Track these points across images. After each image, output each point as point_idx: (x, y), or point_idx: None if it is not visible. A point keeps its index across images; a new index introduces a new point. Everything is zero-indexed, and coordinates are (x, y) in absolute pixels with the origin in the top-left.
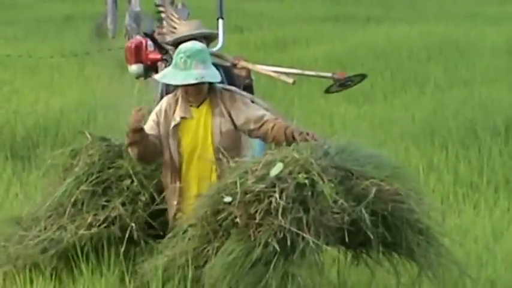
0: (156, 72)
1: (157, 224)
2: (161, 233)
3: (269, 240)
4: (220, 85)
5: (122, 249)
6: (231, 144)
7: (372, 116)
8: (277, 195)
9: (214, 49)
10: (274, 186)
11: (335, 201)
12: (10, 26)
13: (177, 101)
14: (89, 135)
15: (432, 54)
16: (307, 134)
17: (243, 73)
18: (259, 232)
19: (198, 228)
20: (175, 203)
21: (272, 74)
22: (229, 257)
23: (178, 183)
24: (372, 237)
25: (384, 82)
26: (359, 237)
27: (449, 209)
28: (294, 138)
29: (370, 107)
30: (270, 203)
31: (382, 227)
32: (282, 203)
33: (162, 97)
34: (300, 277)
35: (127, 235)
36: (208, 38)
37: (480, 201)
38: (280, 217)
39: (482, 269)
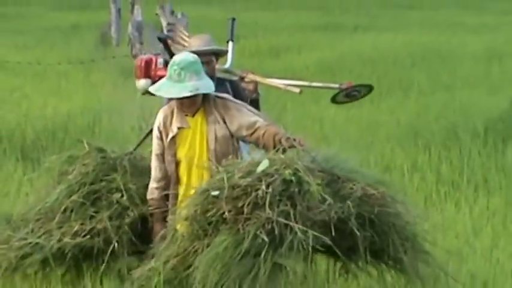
0: None
1: (140, 242)
2: (143, 250)
3: (257, 232)
4: (213, 93)
5: (104, 264)
6: (226, 149)
7: (360, 119)
8: (263, 187)
9: (224, 67)
10: (260, 181)
11: (323, 200)
12: (20, 34)
13: (172, 112)
14: (86, 145)
15: (416, 61)
16: (294, 139)
17: (250, 87)
18: (247, 225)
19: (188, 226)
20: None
21: (280, 86)
22: (219, 248)
23: (175, 200)
24: (358, 234)
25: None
26: (347, 239)
27: (432, 207)
28: (281, 144)
29: (358, 110)
30: (257, 196)
31: (370, 230)
32: (268, 195)
33: None
34: (289, 268)
35: (110, 249)
36: (217, 54)
37: (461, 199)
38: (267, 209)
39: (463, 263)
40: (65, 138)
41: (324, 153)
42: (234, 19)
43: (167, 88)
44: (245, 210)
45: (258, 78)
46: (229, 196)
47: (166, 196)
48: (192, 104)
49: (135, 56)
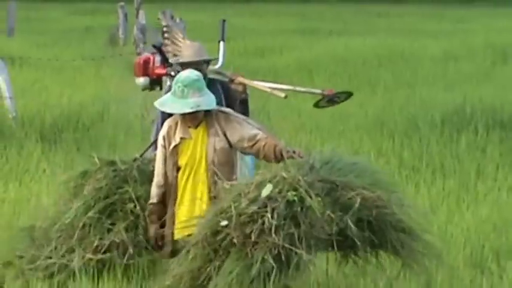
0: (160, 85)
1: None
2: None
3: (265, 257)
4: (216, 107)
5: (120, 272)
6: (224, 161)
7: (333, 110)
8: (269, 215)
9: (216, 67)
10: (266, 207)
11: (322, 213)
12: (41, 35)
13: (176, 123)
14: (97, 160)
15: (382, 61)
16: (294, 152)
17: (240, 88)
18: (255, 250)
19: (200, 248)
20: (170, 230)
21: (266, 89)
22: (231, 276)
23: (173, 208)
24: (358, 243)
25: (342, 83)
26: (347, 242)
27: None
28: (282, 156)
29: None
30: (263, 222)
31: (368, 231)
32: (274, 222)
33: (162, 117)
34: None
35: (125, 260)
36: (208, 62)
37: (420, 182)
38: (274, 235)
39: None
40: (78, 123)
41: (320, 155)
42: (224, 20)
43: (171, 103)
44: (252, 236)
45: (246, 81)
46: (237, 223)
47: (164, 201)
48: (194, 118)
49: (139, 54)
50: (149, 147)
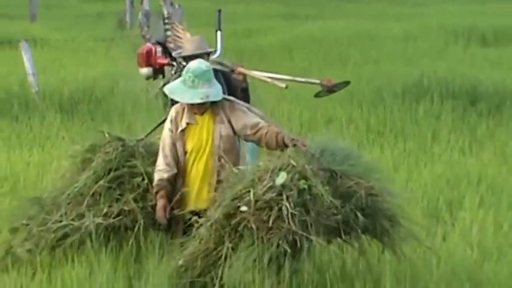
0: (163, 74)
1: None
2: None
3: (280, 242)
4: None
5: (131, 241)
6: (229, 147)
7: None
8: (286, 203)
9: (215, 56)
10: (281, 194)
11: (330, 204)
12: (59, 20)
13: (184, 109)
14: (107, 135)
15: (352, 41)
16: (297, 140)
17: (240, 77)
18: (271, 235)
19: (213, 230)
20: (178, 204)
21: (267, 79)
22: (247, 259)
23: (183, 181)
24: (358, 230)
25: (318, 60)
26: (346, 229)
27: (364, 149)
28: (284, 144)
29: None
30: (280, 209)
31: (362, 217)
32: (290, 209)
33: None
34: (306, 273)
35: (136, 227)
36: (209, 54)
37: (384, 144)
38: (290, 221)
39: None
40: (92, 96)
41: (317, 145)
42: (220, 10)
43: (181, 92)
44: (270, 222)
45: (247, 72)
46: (254, 208)
47: (172, 182)
48: (201, 107)
49: (143, 36)
50: (154, 128)
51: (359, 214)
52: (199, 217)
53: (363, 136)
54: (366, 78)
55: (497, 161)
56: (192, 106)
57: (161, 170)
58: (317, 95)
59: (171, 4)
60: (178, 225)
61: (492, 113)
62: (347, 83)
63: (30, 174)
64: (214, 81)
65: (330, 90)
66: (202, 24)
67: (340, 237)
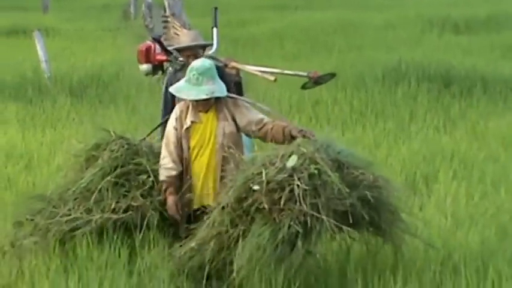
0: (162, 70)
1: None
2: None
3: (291, 223)
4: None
5: (140, 235)
6: (232, 143)
7: (300, 69)
8: (298, 182)
9: (210, 52)
10: (292, 176)
11: (338, 189)
12: (69, 11)
13: (188, 107)
14: (113, 133)
15: (337, 29)
16: (305, 131)
17: (234, 72)
18: (282, 216)
19: (225, 213)
20: (186, 195)
21: (257, 72)
22: (259, 239)
23: (188, 177)
24: (367, 218)
25: (306, 48)
26: (349, 216)
27: (348, 129)
28: (292, 136)
29: (298, 63)
30: (292, 190)
31: (367, 209)
32: (301, 190)
33: (166, 96)
34: (318, 254)
35: (145, 221)
36: (204, 47)
37: (366, 124)
38: (302, 202)
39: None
40: (99, 81)
41: (321, 140)
42: (216, 8)
43: (187, 90)
44: (281, 202)
45: (239, 66)
46: (266, 189)
47: (179, 175)
48: (206, 104)
49: (146, 26)
50: (155, 128)
51: (365, 204)
52: (205, 212)
53: (347, 116)
54: (350, 63)
55: (469, 138)
56: (197, 104)
57: (169, 168)
58: (303, 87)
59: None
60: (183, 219)
61: (464, 94)
62: (333, 75)
63: (43, 152)
64: (217, 78)
65: (317, 82)
66: (201, 14)
67: (349, 224)
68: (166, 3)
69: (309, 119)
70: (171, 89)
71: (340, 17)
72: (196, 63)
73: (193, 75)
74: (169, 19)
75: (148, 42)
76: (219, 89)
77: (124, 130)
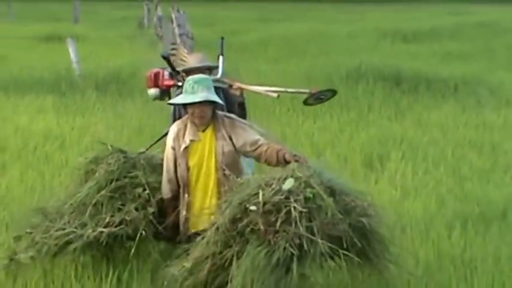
0: (169, 95)
1: (163, 230)
2: (166, 237)
3: (286, 245)
4: (222, 113)
5: (133, 249)
6: (231, 163)
7: (280, 70)
8: (295, 204)
9: (215, 77)
10: (288, 198)
11: (332, 214)
12: (94, 22)
13: (185, 126)
14: (110, 147)
15: (310, 38)
16: (299, 157)
17: (237, 93)
18: (277, 238)
19: (219, 234)
20: (184, 213)
21: (261, 91)
22: (254, 260)
23: (187, 196)
24: (359, 245)
25: (285, 53)
26: (340, 243)
27: (318, 119)
28: (285, 160)
29: (279, 65)
30: (288, 212)
31: (357, 236)
32: (297, 213)
33: (174, 115)
34: (313, 278)
35: (138, 236)
36: (210, 69)
37: (333, 113)
38: (298, 225)
39: (335, 149)
40: (119, 78)
41: (314, 167)
42: (223, 38)
43: (182, 97)
44: (277, 224)
45: (243, 86)
46: (262, 210)
47: (176, 195)
48: (202, 115)
49: (157, 34)
50: (155, 142)
51: (356, 231)
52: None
53: (318, 108)
54: (320, 66)
55: (415, 126)
56: (192, 116)
57: (165, 188)
58: (305, 102)
59: (178, 11)
60: (182, 238)
61: (411, 91)
62: (334, 91)
63: (74, 135)
64: (213, 90)
65: (318, 98)
66: (201, 25)
67: (342, 249)
68: (173, 16)
69: (287, 110)
70: (170, 102)
71: (313, 28)
72: (192, 77)
73: (189, 84)
74: (176, 47)
75: (157, 69)
76: (214, 97)
77: (139, 117)
